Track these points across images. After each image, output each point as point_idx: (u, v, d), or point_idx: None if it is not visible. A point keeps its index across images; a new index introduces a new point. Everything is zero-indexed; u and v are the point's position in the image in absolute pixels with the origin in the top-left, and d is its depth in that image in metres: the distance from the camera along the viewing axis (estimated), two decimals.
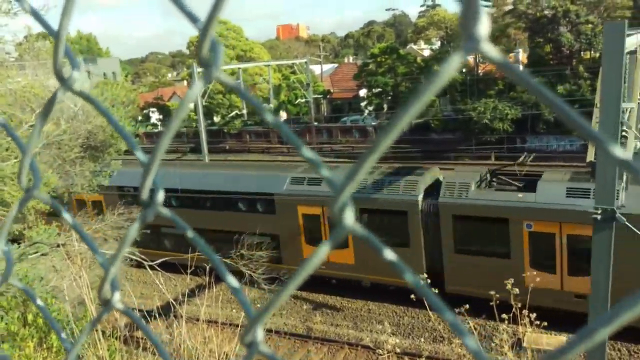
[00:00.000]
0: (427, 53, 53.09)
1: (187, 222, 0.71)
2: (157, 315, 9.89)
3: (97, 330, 8.53)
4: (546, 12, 37.52)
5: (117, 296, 0.85)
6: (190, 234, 0.73)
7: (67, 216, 0.87)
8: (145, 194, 0.70)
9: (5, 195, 12.04)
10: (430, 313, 14.15)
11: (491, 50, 0.43)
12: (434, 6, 51.71)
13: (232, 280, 0.71)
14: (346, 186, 0.55)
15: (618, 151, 0.46)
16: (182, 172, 22.11)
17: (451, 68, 0.44)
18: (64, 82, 0.76)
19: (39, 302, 0.99)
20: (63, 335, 0.94)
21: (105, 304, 0.84)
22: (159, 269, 13.19)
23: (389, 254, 0.57)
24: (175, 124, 0.64)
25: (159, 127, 55.74)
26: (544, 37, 37.99)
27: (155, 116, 57.49)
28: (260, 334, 0.68)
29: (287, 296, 0.64)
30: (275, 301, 0.63)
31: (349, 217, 0.56)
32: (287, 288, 0.62)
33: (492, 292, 12.13)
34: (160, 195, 0.72)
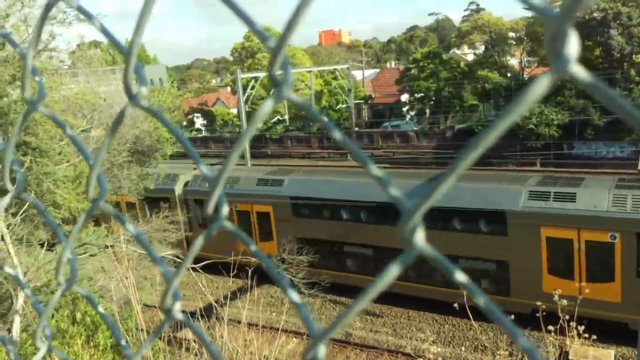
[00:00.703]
0: (470, 58, 52.32)
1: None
2: (199, 317, 10.06)
3: (142, 330, 8.74)
4: (595, 14, 36.38)
5: (177, 306, 0.86)
6: (253, 248, 0.74)
7: (130, 227, 0.89)
8: (211, 209, 0.71)
9: (57, 197, 12.49)
10: (472, 322, 13.89)
11: (580, 71, 0.42)
12: (478, 10, 50.93)
13: (295, 296, 0.71)
14: (419, 208, 0.54)
15: None
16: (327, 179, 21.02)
17: (540, 89, 0.42)
18: (133, 98, 0.77)
19: (100, 309, 1.01)
20: (123, 341, 0.97)
21: (167, 314, 0.85)
22: (201, 271, 13.42)
23: (460, 276, 0.56)
24: (244, 141, 0.65)
25: (203, 132, 56.80)
26: (593, 41, 36.84)
27: (199, 121, 58.65)
28: (322, 351, 0.68)
29: (352, 317, 0.63)
30: (341, 321, 0.63)
31: (420, 238, 0.55)
32: (354, 307, 0.61)
33: (539, 303, 11.81)
34: (225, 210, 0.73)
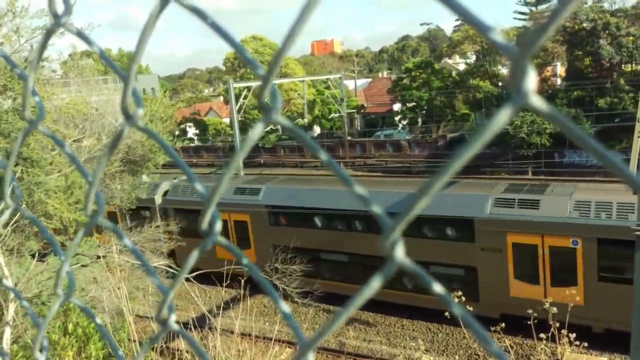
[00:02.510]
0: (462, 67, 52.73)
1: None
2: (192, 328, 10.03)
3: (134, 341, 8.71)
4: (585, 24, 36.85)
5: (173, 317, 0.90)
6: (245, 261, 0.78)
7: (127, 242, 0.93)
8: (205, 225, 0.75)
9: (49, 207, 12.46)
10: (465, 331, 13.91)
11: (539, 102, 0.46)
12: None
13: (284, 306, 0.75)
14: (398, 224, 0.58)
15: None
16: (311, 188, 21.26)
17: (501, 121, 0.47)
18: (130, 119, 0.82)
19: (98, 320, 1.05)
20: (120, 352, 1.00)
21: (163, 325, 0.89)
22: (194, 281, 13.39)
23: (437, 287, 0.60)
24: (236, 162, 0.69)
25: (196, 141, 56.76)
26: (583, 50, 37.29)
27: (192, 131, 58.61)
28: (311, 359, 0.72)
29: (337, 326, 0.67)
30: (327, 330, 0.67)
31: (400, 253, 0.60)
32: (338, 318, 0.65)
33: (530, 311, 11.87)
34: (218, 226, 0.77)
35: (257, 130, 0.65)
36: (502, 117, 0.47)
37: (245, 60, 0.69)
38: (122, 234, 0.93)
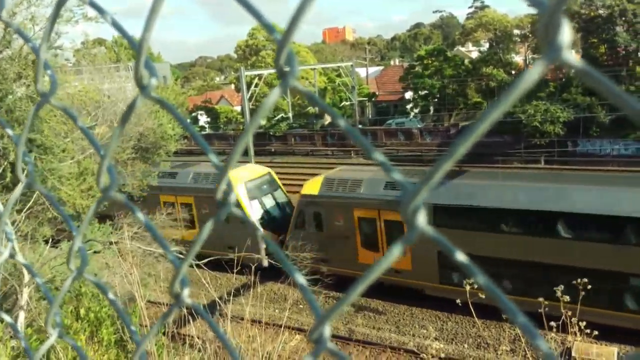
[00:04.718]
0: (475, 55, 52.21)
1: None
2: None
3: (144, 326, 8.79)
4: (601, 11, 36.25)
5: (186, 292, 0.89)
6: (260, 233, 0.76)
7: (140, 215, 0.91)
8: (219, 195, 0.74)
9: (62, 194, 12.56)
10: (475, 319, 13.88)
11: (572, 58, 0.44)
12: (482, 7, 50.75)
13: (301, 279, 0.74)
14: (420, 190, 0.56)
15: None
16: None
17: (533, 76, 0.45)
18: (144, 89, 0.80)
19: (111, 295, 1.04)
20: (133, 327, 0.99)
21: (176, 299, 0.88)
22: (205, 267, 13.47)
23: (460, 256, 0.58)
24: (251, 129, 0.67)
25: (207, 129, 56.88)
26: (599, 38, 36.73)
27: (203, 119, 58.74)
28: (327, 330, 0.70)
29: (355, 296, 0.66)
30: (345, 300, 0.65)
31: (422, 219, 0.58)
32: (357, 287, 0.64)
33: (541, 299, 11.80)
34: (233, 196, 0.75)
35: (274, 96, 0.63)
36: (534, 72, 0.44)
37: (262, 24, 0.67)
38: (135, 208, 0.92)
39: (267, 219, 22.23)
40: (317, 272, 17.33)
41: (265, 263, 19.79)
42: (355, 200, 19.24)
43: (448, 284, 16.90)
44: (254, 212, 21.73)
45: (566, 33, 0.44)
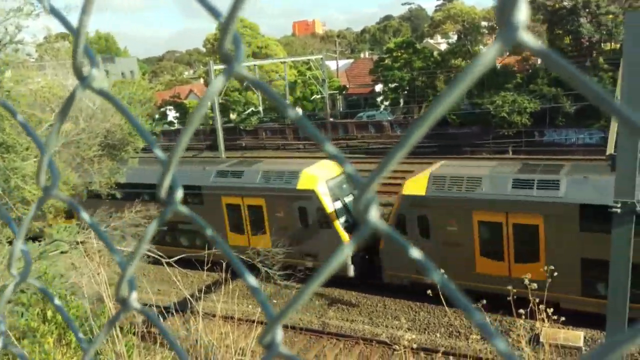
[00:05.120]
0: (443, 47, 52.67)
1: None
2: (174, 312, 9.97)
3: (115, 327, 8.62)
4: (565, 3, 36.96)
5: (134, 295, 0.83)
6: (209, 232, 0.72)
7: (84, 215, 0.86)
8: (164, 192, 0.69)
9: (26, 193, 12.22)
10: (447, 308, 14.06)
11: (530, 38, 0.41)
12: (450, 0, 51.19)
13: (252, 280, 0.70)
14: (372, 183, 0.52)
15: None
16: None
17: (489, 57, 0.41)
18: (83, 80, 0.74)
19: (57, 301, 0.98)
20: (80, 334, 0.94)
21: (123, 303, 0.83)
22: (175, 265, 13.30)
23: (415, 252, 0.55)
24: (195, 120, 0.62)
25: (176, 125, 56.11)
26: (563, 29, 37.44)
27: (172, 114, 57.89)
28: (279, 334, 0.66)
29: (307, 297, 0.62)
30: (295, 302, 0.61)
31: (374, 214, 0.54)
32: (307, 288, 0.60)
33: (510, 287, 11.99)
34: (179, 194, 0.70)
35: (218, 84, 0.58)
36: (490, 54, 0.41)
37: (206, 8, 0.62)
38: (79, 208, 0.86)
39: (352, 223, 19.51)
40: (289, 267, 17.30)
41: (351, 273, 18.46)
42: (475, 202, 16.58)
43: (591, 296, 15.35)
44: (338, 216, 19.15)
45: (522, 12, 0.40)
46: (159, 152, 0.72)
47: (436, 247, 17.15)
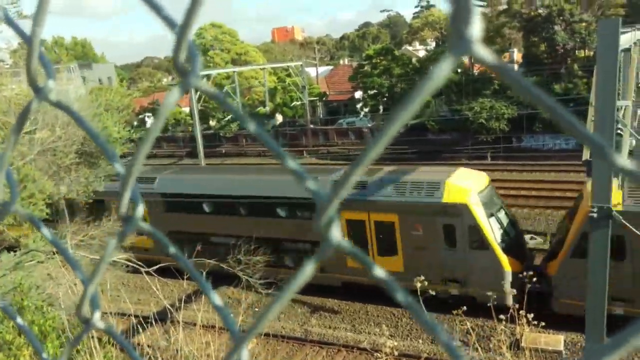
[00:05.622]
0: (422, 54, 53.18)
1: None
2: (153, 322, 9.84)
3: (93, 338, 8.47)
4: (540, 11, 37.65)
5: (97, 315, 0.81)
6: (172, 250, 0.70)
7: (45, 231, 0.83)
8: (124, 208, 0.67)
9: None
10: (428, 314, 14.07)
11: (483, 51, 0.40)
12: (428, 7, 51.76)
13: (216, 299, 0.68)
14: (333, 199, 0.51)
15: (617, 157, 0.43)
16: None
17: (442, 71, 0.40)
18: (39, 92, 0.72)
19: (19, 320, 0.95)
20: (44, 355, 0.90)
21: (85, 323, 0.80)
22: (155, 274, 13.13)
23: (379, 271, 0.54)
24: (152, 134, 0.60)
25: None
26: (539, 36, 38.11)
27: (150, 121, 57.41)
28: (245, 354, 0.65)
29: (273, 315, 0.60)
30: (260, 322, 0.60)
31: (336, 233, 0.53)
32: (271, 308, 0.58)
33: (490, 293, 12.09)
34: (140, 210, 0.68)
35: (173, 97, 0.57)
36: (443, 68, 0.40)
37: (160, 18, 0.61)
38: (39, 223, 0.84)
39: (508, 243, 16.76)
40: (269, 277, 17.18)
41: (510, 301, 14.69)
42: None
43: None
44: (494, 234, 16.26)
45: (476, 24, 0.39)
46: (118, 167, 0.69)
47: (636, 272, 14.47)
